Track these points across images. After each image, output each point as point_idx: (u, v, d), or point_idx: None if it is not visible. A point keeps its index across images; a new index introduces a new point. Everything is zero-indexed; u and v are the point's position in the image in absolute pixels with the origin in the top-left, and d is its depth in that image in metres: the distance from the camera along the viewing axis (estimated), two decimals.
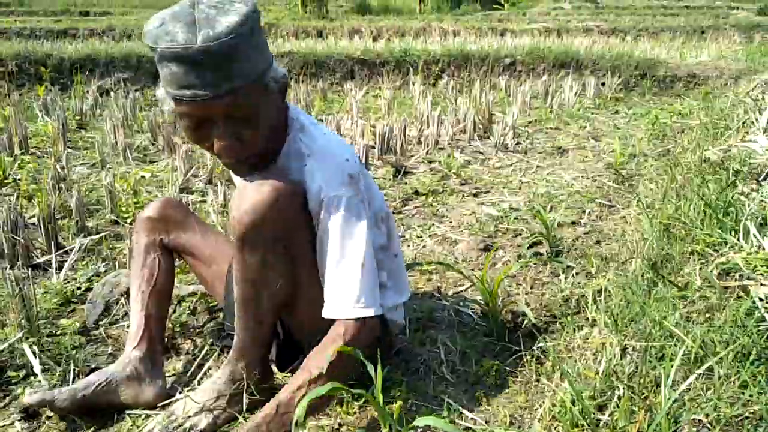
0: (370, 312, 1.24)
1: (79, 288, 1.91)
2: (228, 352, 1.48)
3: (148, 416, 1.34)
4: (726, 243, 1.43)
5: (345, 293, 1.23)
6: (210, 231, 1.61)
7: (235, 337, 1.32)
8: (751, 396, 0.99)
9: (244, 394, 1.30)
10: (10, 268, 2.02)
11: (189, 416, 1.28)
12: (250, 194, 1.18)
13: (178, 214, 1.55)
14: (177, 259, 1.61)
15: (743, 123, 2.60)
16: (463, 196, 2.88)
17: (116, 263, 2.01)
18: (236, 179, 1.45)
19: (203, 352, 1.60)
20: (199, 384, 1.47)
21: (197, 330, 1.72)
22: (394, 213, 2.61)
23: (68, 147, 3.53)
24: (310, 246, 1.29)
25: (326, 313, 1.25)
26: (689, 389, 1.05)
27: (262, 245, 1.20)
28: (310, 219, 1.27)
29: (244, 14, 1.10)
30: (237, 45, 1.09)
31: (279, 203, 1.19)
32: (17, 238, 2.07)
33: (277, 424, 1.18)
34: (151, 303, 1.46)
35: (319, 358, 1.20)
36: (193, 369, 1.54)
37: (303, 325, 1.38)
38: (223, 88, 1.10)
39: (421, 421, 1.11)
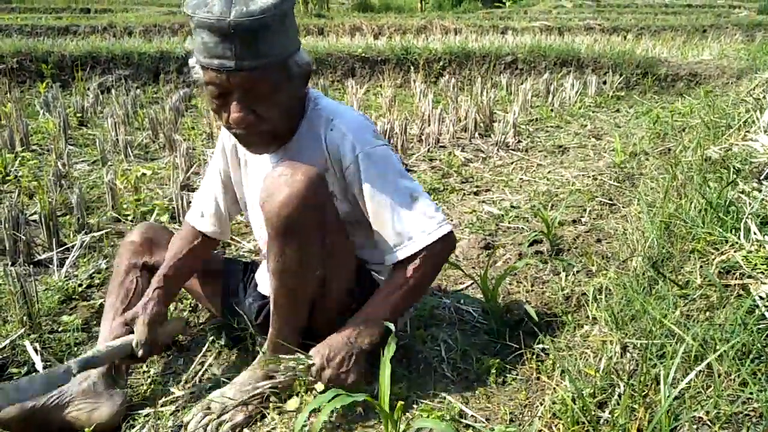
0: (450, 227, 1.34)
1: (80, 285, 1.92)
2: (229, 349, 1.49)
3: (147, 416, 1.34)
4: (727, 241, 1.43)
5: (424, 221, 1.30)
6: None
7: (271, 330, 1.31)
8: (751, 394, 0.99)
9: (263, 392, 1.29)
10: (12, 265, 2.03)
11: (225, 410, 1.28)
12: (283, 184, 1.18)
13: (160, 236, 1.57)
14: None
15: (744, 122, 2.59)
16: (464, 194, 2.89)
17: None
18: (255, 165, 1.44)
19: (204, 349, 1.60)
20: (200, 382, 1.48)
21: (198, 327, 1.73)
22: None
23: (69, 144, 3.53)
24: (340, 228, 1.31)
25: (413, 247, 1.30)
26: (689, 387, 1.05)
27: (300, 236, 1.20)
28: (332, 202, 1.30)
29: None
30: (267, 25, 1.14)
31: (313, 191, 1.18)
32: (18, 235, 2.07)
33: (368, 329, 1.27)
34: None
35: (402, 273, 1.31)
36: (194, 366, 1.54)
37: (329, 312, 1.37)
38: (248, 63, 1.15)
39: (420, 423, 1.11)
